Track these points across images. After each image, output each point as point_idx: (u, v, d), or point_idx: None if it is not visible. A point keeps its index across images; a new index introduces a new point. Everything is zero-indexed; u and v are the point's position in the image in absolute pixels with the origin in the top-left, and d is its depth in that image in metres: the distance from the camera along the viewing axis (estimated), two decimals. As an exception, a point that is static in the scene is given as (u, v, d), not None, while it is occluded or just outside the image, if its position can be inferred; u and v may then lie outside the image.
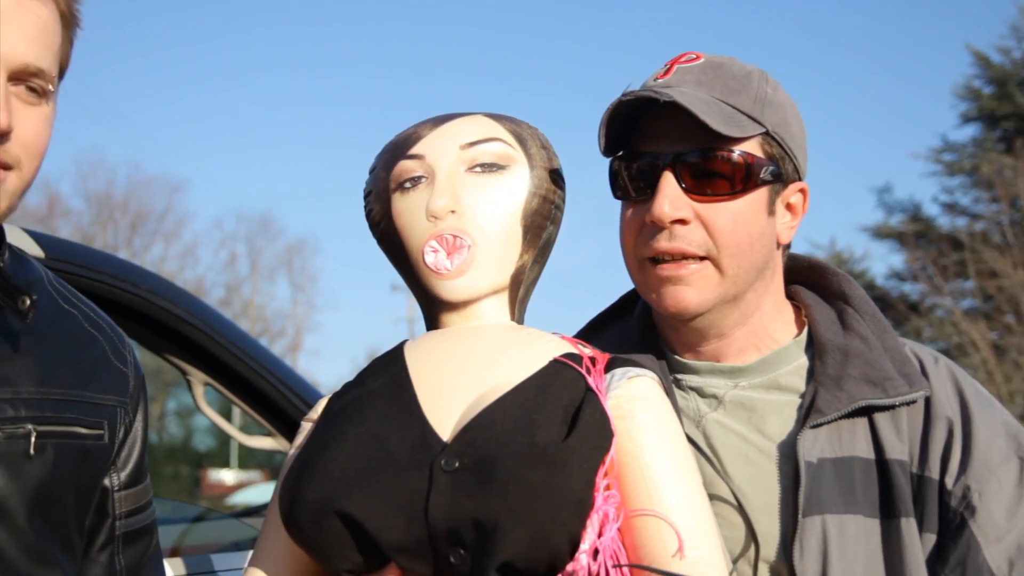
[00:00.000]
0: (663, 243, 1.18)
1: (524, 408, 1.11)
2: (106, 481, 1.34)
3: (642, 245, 1.22)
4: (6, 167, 1.12)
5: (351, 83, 48.62)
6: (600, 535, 1.06)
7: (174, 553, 2.08)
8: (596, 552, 1.05)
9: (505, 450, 1.07)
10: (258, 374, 2.19)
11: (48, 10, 1.13)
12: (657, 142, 1.20)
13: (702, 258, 1.19)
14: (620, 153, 1.24)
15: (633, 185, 1.22)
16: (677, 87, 1.17)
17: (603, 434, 1.07)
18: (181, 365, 2.20)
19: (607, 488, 1.07)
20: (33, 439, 1.20)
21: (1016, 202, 14.97)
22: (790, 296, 1.33)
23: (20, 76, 1.10)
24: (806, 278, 1.35)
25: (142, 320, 2.04)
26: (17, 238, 1.72)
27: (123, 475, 1.36)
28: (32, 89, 1.12)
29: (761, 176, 1.19)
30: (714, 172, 1.18)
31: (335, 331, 43.92)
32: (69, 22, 1.16)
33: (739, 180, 1.18)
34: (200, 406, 2.32)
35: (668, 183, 1.17)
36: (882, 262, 28.16)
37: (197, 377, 2.23)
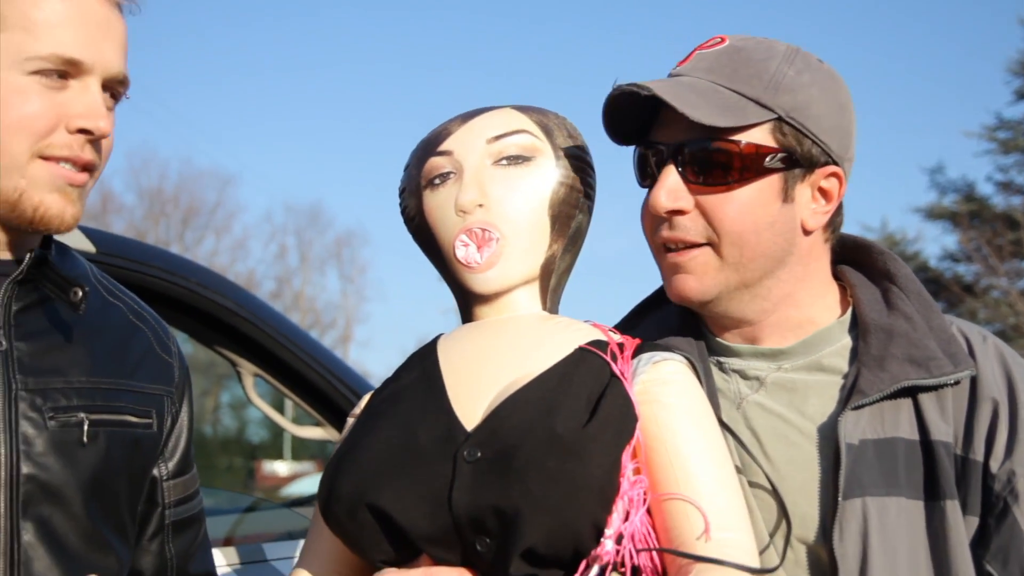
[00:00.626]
0: (665, 232, 1.23)
1: (545, 397, 1.13)
2: (155, 471, 1.38)
3: (654, 233, 1.26)
4: (93, 168, 1.21)
5: (400, 74, 50.08)
6: (626, 520, 1.08)
7: (227, 542, 2.14)
8: (621, 537, 1.07)
9: (525, 439, 1.10)
10: (307, 365, 2.24)
11: (124, 24, 1.21)
12: (665, 132, 1.23)
13: (699, 245, 1.22)
14: (641, 142, 1.28)
15: (645, 174, 1.27)
16: (689, 74, 1.20)
17: (626, 419, 1.10)
18: (231, 357, 2.26)
19: (635, 472, 1.10)
20: (86, 427, 1.24)
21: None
22: (837, 276, 1.34)
23: (109, 85, 1.17)
24: (852, 257, 1.36)
25: (192, 313, 2.09)
26: (70, 235, 1.70)
27: (171, 465, 1.40)
28: (113, 96, 1.20)
29: (767, 164, 1.19)
30: (713, 162, 1.20)
31: (385, 322, 44.73)
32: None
33: (739, 169, 1.19)
34: (250, 397, 2.38)
35: (669, 174, 1.20)
36: (935, 243, 28.66)
37: (247, 368, 2.29)
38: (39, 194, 1.18)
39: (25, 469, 1.20)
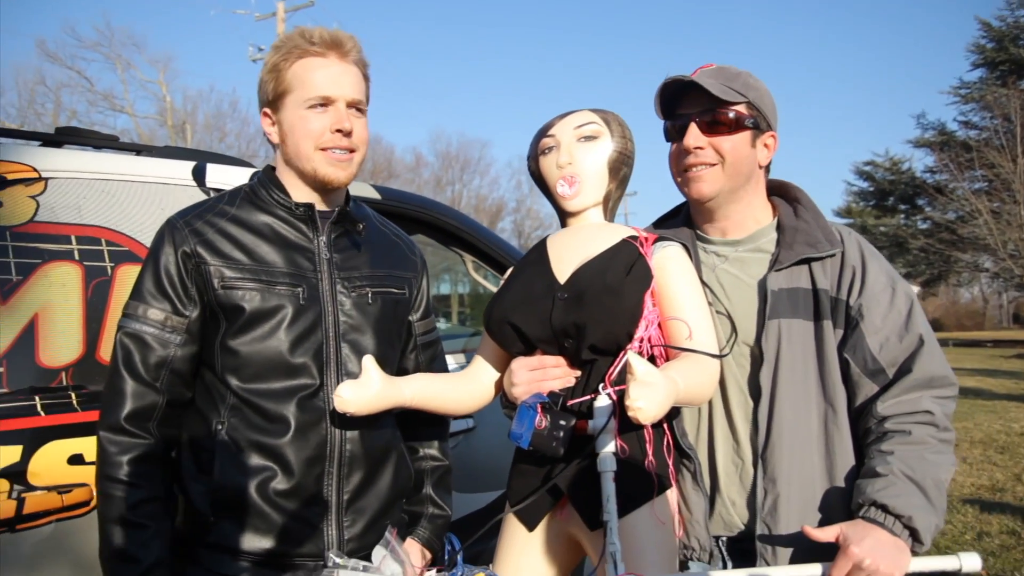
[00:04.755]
0: (690, 159, 1.67)
1: (601, 265, 1.54)
2: (409, 317, 1.85)
3: (680, 163, 1.70)
4: (352, 150, 1.65)
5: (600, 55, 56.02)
6: (646, 330, 1.52)
7: (464, 351, 2.99)
8: (641, 340, 1.52)
9: (590, 286, 1.52)
10: (498, 253, 2.99)
11: (358, 71, 1.67)
12: (687, 108, 1.67)
13: (712, 164, 1.66)
14: (670, 116, 1.72)
15: (676, 132, 1.70)
16: (699, 78, 1.64)
17: (646, 277, 1.53)
18: (458, 251, 3.08)
19: (654, 305, 1.55)
20: (369, 294, 1.70)
21: (1008, 119, 21.44)
22: (770, 198, 1.79)
23: (351, 104, 1.64)
24: (779, 189, 1.81)
25: (435, 228, 2.91)
26: (364, 190, 2.61)
27: (418, 313, 1.87)
28: (357, 110, 1.66)
29: (745, 124, 1.65)
30: (718, 121, 1.65)
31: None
32: (366, 78, 1.70)
33: (732, 125, 1.64)
34: (470, 272, 3.24)
35: (693, 128, 1.65)
36: (920, 162, 35.67)
37: (467, 258, 3.11)
38: (322, 168, 1.62)
39: (342, 317, 1.65)
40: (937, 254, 26.03)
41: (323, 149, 1.61)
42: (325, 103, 1.60)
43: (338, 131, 1.60)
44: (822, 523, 1.54)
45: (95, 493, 1.52)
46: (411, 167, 39.88)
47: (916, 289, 29.75)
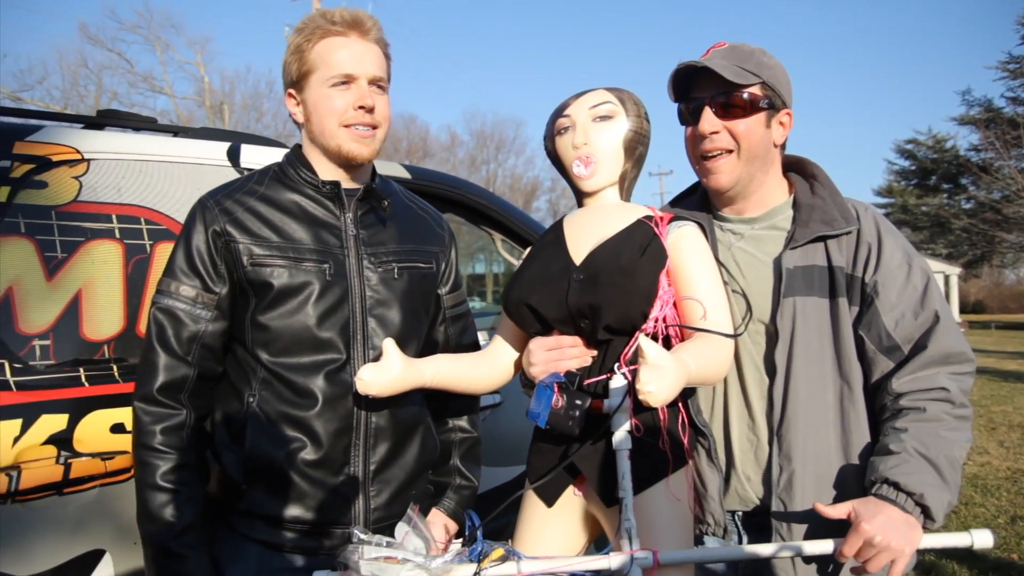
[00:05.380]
0: (706, 145, 1.66)
1: (617, 246, 1.56)
2: (438, 290, 1.88)
3: (696, 148, 1.69)
4: (375, 127, 1.68)
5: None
6: (660, 310, 1.53)
7: (492, 329, 2.92)
8: (656, 320, 1.52)
9: (605, 267, 1.53)
10: (525, 230, 3.04)
11: (379, 49, 1.70)
12: (701, 91, 1.66)
13: (728, 151, 1.65)
14: (683, 99, 1.71)
15: (690, 115, 1.70)
16: (711, 60, 1.64)
17: (661, 257, 1.54)
18: (487, 230, 3.13)
19: (669, 285, 1.56)
20: (396, 269, 1.73)
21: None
22: (786, 175, 1.78)
23: (373, 81, 1.67)
24: (795, 165, 1.79)
25: (464, 207, 2.96)
26: (395, 169, 2.66)
27: (447, 287, 1.90)
28: (379, 87, 1.69)
29: (760, 105, 1.64)
30: (732, 104, 1.64)
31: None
32: (387, 56, 1.73)
33: (747, 107, 1.63)
34: (499, 250, 3.27)
35: (707, 112, 1.65)
36: (965, 140, 34.88)
37: (496, 236, 3.17)
38: (346, 145, 1.66)
39: (368, 292, 1.68)
40: (980, 235, 25.77)
41: (347, 126, 1.65)
42: (347, 81, 1.64)
43: (360, 108, 1.64)
44: (837, 499, 1.55)
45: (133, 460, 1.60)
46: (446, 146, 41.56)
47: (957, 270, 29.27)
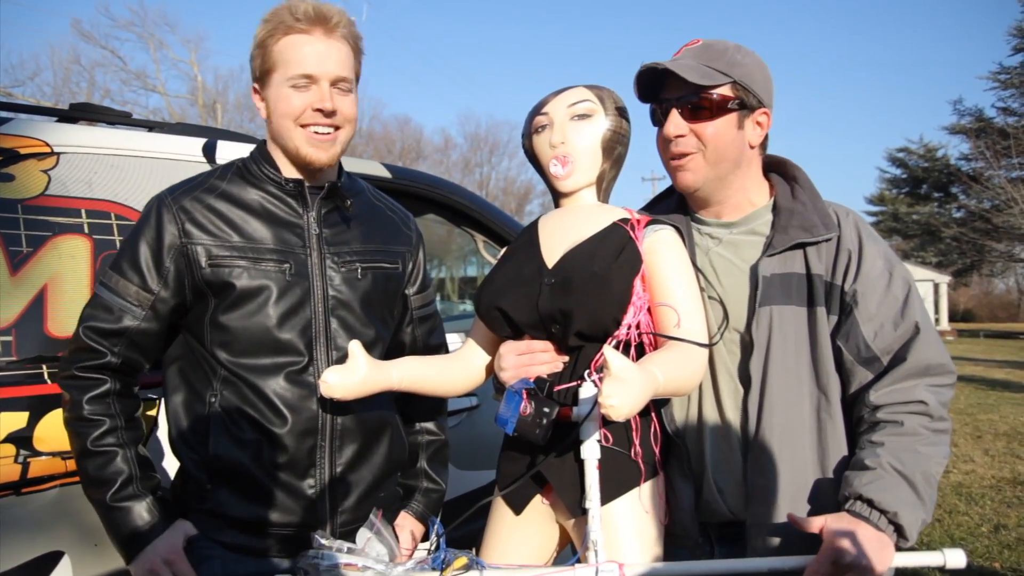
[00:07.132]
0: (673, 148, 1.63)
1: (590, 249, 1.52)
2: (405, 290, 1.84)
3: (665, 150, 1.66)
4: (339, 128, 1.64)
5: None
6: (634, 316, 1.49)
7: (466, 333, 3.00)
8: (630, 327, 1.48)
9: (577, 271, 1.49)
10: (505, 230, 3.02)
11: (345, 46, 1.63)
12: (669, 91, 1.62)
13: (694, 153, 1.61)
14: (654, 100, 1.68)
15: (659, 117, 1.66)
16: (678, 61, 1.59)
17: (635, 262, 1.50)
18: (469, 231, 3.12)
19: (644, 291, 1.52)
20: (360, 269, 1.70)
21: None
22: (768, 175, 1.73)
23: (335, 82, 1.62)
24: (777, 166, 1.75)
25: (445, 207, 2.93)
26: (375, 168, 2.63)
27: (414, 287, 1.87)
28: (341, 89, 1.63)
29: (729, 106, 1.58)
30: (699, 106, 1.59)
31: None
32: (357, 52, 1.67)
33: (714, 110, 1.59)
34: (481, 251, 3.25)
35: (673, 115, 1.61)
36: (956, 149, 35.32)
37: (478, 237, 3.15)
38: (304, 148, 1.62)
39: (331, 292, 1.65)
40: (970, 243, 26.03)
41: (303, 126, 1.62)
42: (308, 81, 1.60)
43: (318, 110, 1.60)
44: (812, 513, 1.53)
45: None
46: (440, 148, 42.49)
47: (947, 279, 29.43)
